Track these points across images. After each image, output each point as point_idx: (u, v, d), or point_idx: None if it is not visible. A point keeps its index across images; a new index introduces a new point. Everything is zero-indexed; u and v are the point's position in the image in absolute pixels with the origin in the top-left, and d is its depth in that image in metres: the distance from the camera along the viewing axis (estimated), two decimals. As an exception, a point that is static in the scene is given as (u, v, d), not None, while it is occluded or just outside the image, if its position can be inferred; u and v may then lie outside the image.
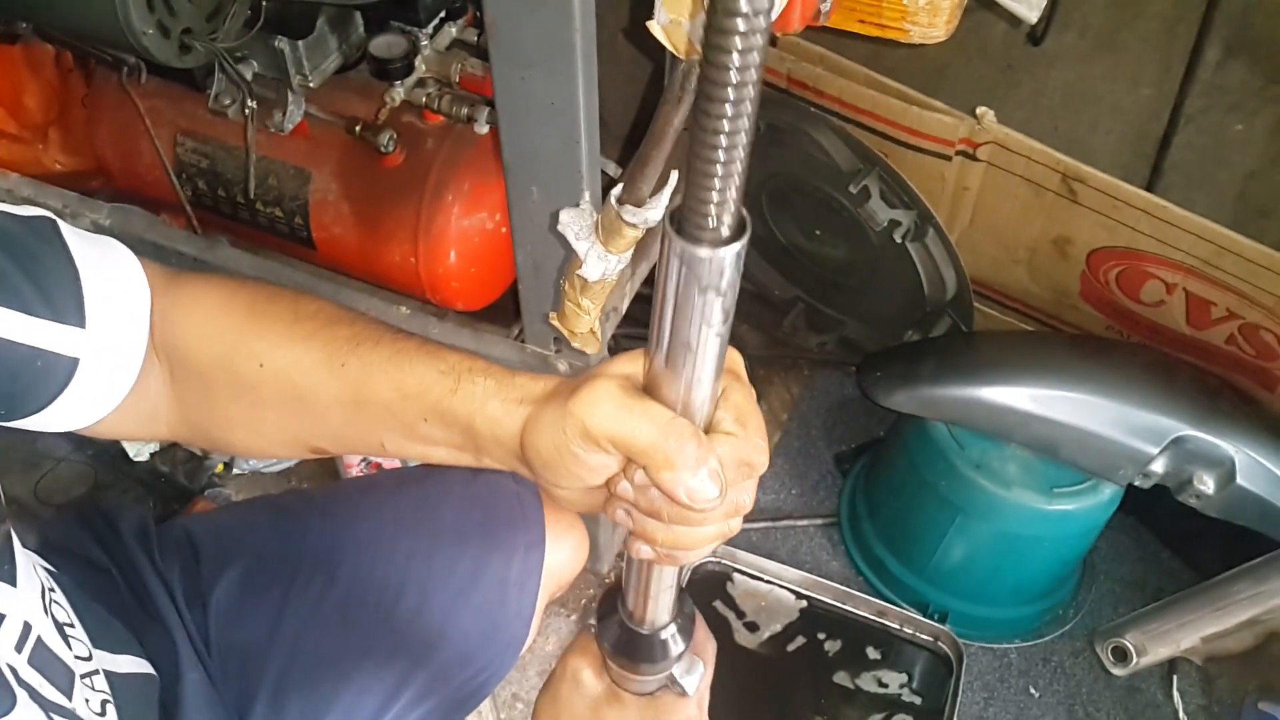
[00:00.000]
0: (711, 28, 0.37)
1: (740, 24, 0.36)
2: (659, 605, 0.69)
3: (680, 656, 0.73)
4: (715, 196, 0.42)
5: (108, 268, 0.70)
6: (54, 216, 0.69)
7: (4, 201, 0.67)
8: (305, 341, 0.71)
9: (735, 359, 0.59)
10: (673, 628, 0.71)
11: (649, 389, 0.55)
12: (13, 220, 0.66)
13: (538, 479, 0.63)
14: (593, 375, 0.58)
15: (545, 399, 0.62)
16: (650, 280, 1.33)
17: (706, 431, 0.56)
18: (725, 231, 0.44)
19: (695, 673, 0.76)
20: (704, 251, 0.44)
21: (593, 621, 0.76)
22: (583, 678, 0.77)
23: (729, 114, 0.39)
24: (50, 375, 0.66)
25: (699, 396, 0.53)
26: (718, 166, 0.41)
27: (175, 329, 0.73)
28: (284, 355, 0.71)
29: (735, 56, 0.37)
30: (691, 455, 0.53)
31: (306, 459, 1.88)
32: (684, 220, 0.44)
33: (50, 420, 0.68)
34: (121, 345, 0.70)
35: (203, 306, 0.74)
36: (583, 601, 1.74)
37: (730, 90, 0.38)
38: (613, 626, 0.72)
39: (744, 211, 0.44)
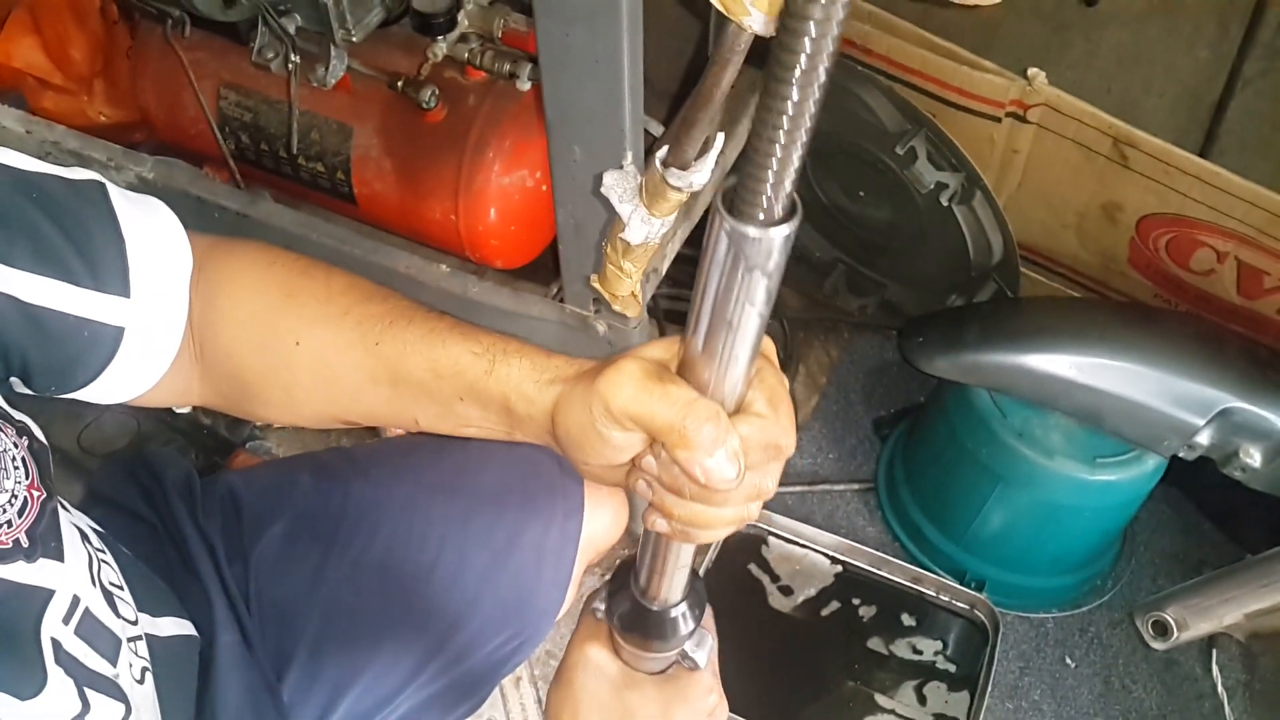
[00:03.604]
0: (789, 8, 0.36)
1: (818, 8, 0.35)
2: (673, 584, 0.70)
3: (692, 634, 0.74)
4: (771, 176, 0.41)
5: (152, 233, 0.71)
6: (102, 180, 0.69)
7: (51, 155, 0.68)
8: (339, 319, 0.73)
9: (767, 345, 0.59)
10: (684, 605, 0.72)
11: (683, 368, 0.56)
12: (62, 184, 0.66)
13: (566, 454, 0.65)
14: (621, 356, 0.59)
15: (576, 379, 0.64)
16: (692, 241, 1.31)
17: (738, 412, 0.56)
18: (777, 212, 0.43)
19: (705, 645, 0.76)
20: (754, 231, 0.44)
21: (597, 605, 0.76)
22: (600, 660, 0.76)
23: (796, 96, 0.38)
24: (97, 345, 0.67)
25: (733, 376, 0.53)
26: (778, 147, 0.40)
27: (211, 310, 0.75)
28: (319, 334, 0.73)
29: (809, 38, 0.36)
30: (709, 436, 0.54)
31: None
32: (736, 198, 0.43)
33: (101, 392, 0.70)
34: (165, 313, 0.72)
35: (237, 287, 0.75)
36: (616, 561, 1.74)
37: (801, 71, 0.37)
38: (625, 605, 0.73)
39: (796, 194, 0.43)
